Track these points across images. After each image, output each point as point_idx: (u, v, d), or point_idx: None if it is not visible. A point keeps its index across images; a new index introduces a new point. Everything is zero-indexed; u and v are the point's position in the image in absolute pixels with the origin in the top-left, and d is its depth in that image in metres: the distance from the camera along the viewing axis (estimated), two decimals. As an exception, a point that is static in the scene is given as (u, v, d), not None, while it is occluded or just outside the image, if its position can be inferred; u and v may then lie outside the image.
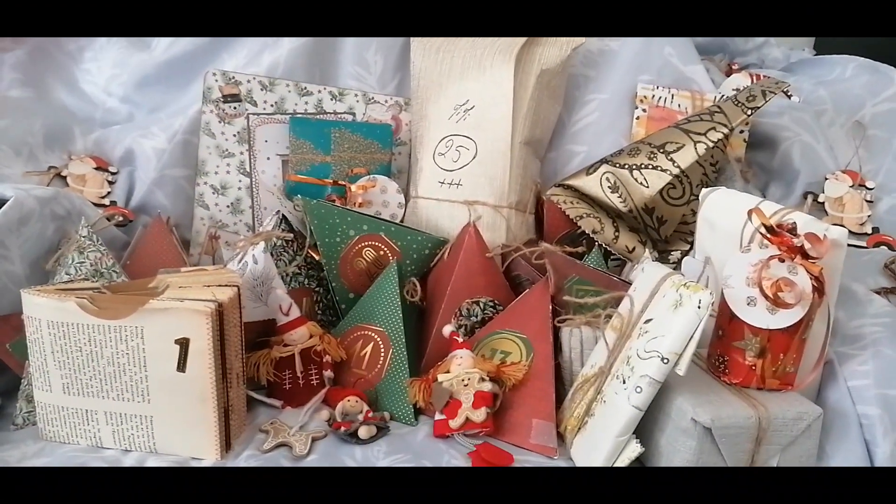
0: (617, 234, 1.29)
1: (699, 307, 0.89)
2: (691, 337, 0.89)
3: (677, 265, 1.29)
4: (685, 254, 1.30)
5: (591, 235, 1.29)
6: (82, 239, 1.10)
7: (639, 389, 0.91)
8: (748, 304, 0.94)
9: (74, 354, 0.95)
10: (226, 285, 1.00)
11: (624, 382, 0.94)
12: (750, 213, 0.97)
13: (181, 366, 0.94)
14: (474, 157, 1.29)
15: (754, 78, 1.45)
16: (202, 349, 0.93)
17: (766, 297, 0.92)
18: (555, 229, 1.32)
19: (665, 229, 1.29)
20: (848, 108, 1.42)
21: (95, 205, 1.29)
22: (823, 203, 1.35)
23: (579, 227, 1.30)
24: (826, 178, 1.37)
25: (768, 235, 0.95)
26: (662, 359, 0.90)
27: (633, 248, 1.29)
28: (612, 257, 1.31)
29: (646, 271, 1.05)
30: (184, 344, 0.93)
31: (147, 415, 0.96)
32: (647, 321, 0.97)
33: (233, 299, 0.98)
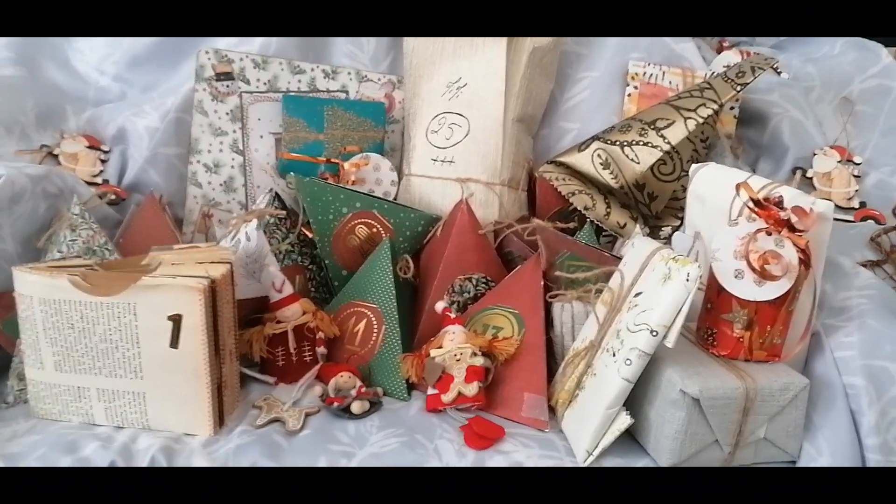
0: (608, 210, 1.30)
1: (687, 280, 0.90)
2: (680, 309, 0.90)
3: (668, 240, 1.30)
4: (676, 229, 1.30)
5: (582, 212, 1.29)
6: (74, 217, 1.10)
7: (628, 362, 0.92)
8: (735, 277, 0.95)
9: (66, 331, 0.96)
10: (218, 262, 1.00)
11: (614, 356, 0.95)
12: (738, 186, 0.97)
13: (174, 342, 0.94)
14: (467, 135, 1.29)
15: (744, 55, 1.44)
16: (195, 325, 0.94)
17: (753, 269, 0.93)
18: (547, 206, 1.33)
19: (656, 205, 1.30)
20: (836, 85, 1.43)
21: (88, 183, 1.29)
22: (812, 178, 1.36)
23: (571, 204, 1.30)
24: (814, 154, 1.38)
25: (755, 209, 0.96)
26: (651, 331, 0.91)
27: (625, 224, 1.30)
28: (603, 233, 1.31)
29: (636, 246, 1.06)
30: (176, 320, 0.94)
31: (140, 391, 0.97)
32: (637, 295, 0.98)
33: (225, 276, 0.98)
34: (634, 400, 0.95)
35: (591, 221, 1.29)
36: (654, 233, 1.29)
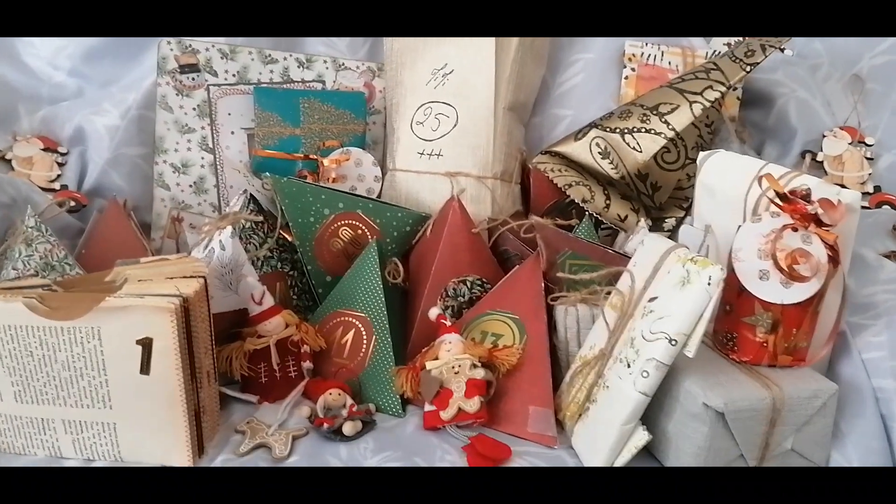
0: (608, 202, 1.22)
1: (709, 284, 0.83)
2: (701, 316, 0.83)
3: (672, 233, 1.23)
4: (680, 221, 1.23)
5: (580, 204, 1.22)
6: (29, 230, 1.00)
7: (645, 374, 0.85)
8: (760, 279, 0.88)
9: (25, 360, 0.86)
10: (191, 276, 0.91)
11: (629, 366, 0.87)
12: (761, 179, 0.90)
13: (145, 368, 0.85)
14: (455, 125, 1.20)
15: (745, 32, 1.37)
16: (167, 348, 0.85)
17: (780, 270, 0.86)
18: (542, 199, 1.25)
19: (659, 196, 1.22)
20: (844, 62, 1.35)
21: (44, 189, 1.19)
22: (822, 162, 1.29)
23: (567, 196, 1.23)
24: (824, 136, 1.31)
25: (780, 203, 0.88)
26: (670, 340, 0.83)
27: (626, 217, 1.22)
28: (602, 226, 1.24)
29: (646, 244, 0.98)
30: (146, 344, 0.85)
31: (109, 421, 0.88)
32: (652, 299, 0.90)
33: (199, 292, 0.89)
34: (650, 412, 0.88)
35: (590, 215, 1.21)
36: (657, 225, 1.22)
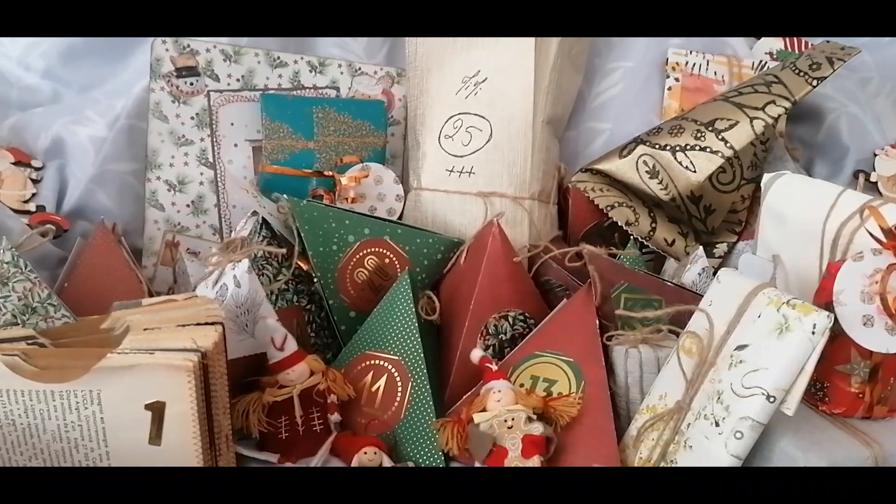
0: (654, 225, 1.12)
1: (813, 332, 0.73)
2: (802, 369, 0.73)
3: (724, 259, 1.14)
4: (731, 246, 1.14)
5: (624, 228, 1.11)
6: (5, 266, 0.85)
7: (738, 435, 0.75)
8: (864, 325, 0.78)
9: (7, 430, 0.71)
10: (205, 323, 0.77)
11: (717, 425, 0.77)
12: (863, 212, 0.81)
13: (154, 438, 0.72)
14: (489, 140, 1.09)
15: (788, 41, 1.28)
16: (183, 414, 0.71)
17: (890, 315, 0.76)
18: (581, 221, 1.15)
19: (712, 220, 1.12)
20: (894, 76, 1.27)
21: (16, 212, 1.03)
22: (876, 183, 1.21)
23: (608, 219, 1.12)
24: (875, 154, 1.23)
25: (883, 240, 0.79)
26: (768, 397, 0.74)
27: (673, 241, 1.12)
28: (643, 250, 1.14)
29: (723, 281, 0.88)
30: (158, 409, 0.71)
31: (112, 500, 0.74)
32: (740, 347, 0.80)
33: (217, 343, 0.76)
34: (738, 474, 0.78)
35: (634, 239, 1.11)
36: (707, 251, 1.12)
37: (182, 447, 0.72)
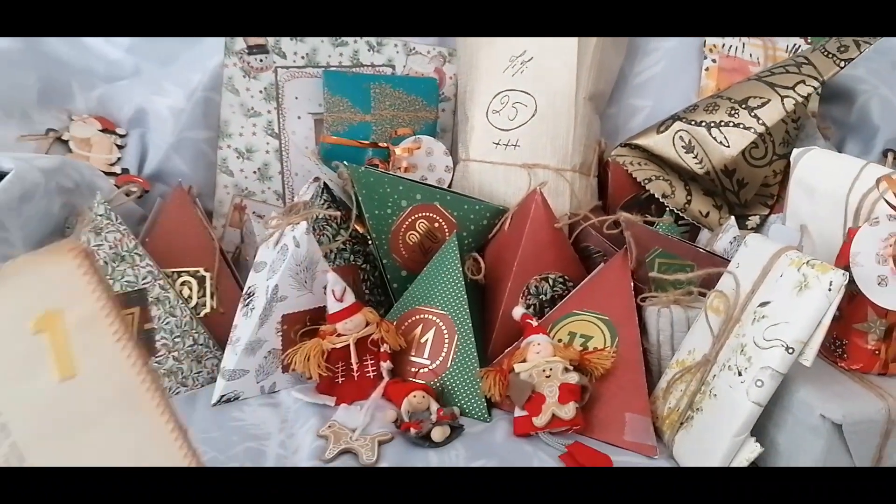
0: (689, 197, 1.18)
1: (830, 289, 0.78)
2: (820, 323, 0.79)
3: (756, 230, 1.19)
4: (763, 219, 1.19)
5: (661, 200, 1.17)
6: (98, 217, 0.94)
7: (759, 383, 0.80)
8: (879, 284, 0.84)
9: None
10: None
11: (740, 374, 0.83)
12: (878, 181, 0.86)
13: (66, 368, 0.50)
14: (534, 115, 1.15)
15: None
16: (92, 317, 0.49)
17: (902, 275, 0.82)
18: (619, 193, 1.21)
19: (745, 193, 1.18)
20: (924, 59, 1.30)
21: (105, 174, 1.12)
22: (905, 161, 1.25)
23: (646, 191, 1.18)
24: (905, 135, 1.26)
25: (898, 206, 0.84)
26: (787, 348, 0.79)
27: (707, 213, 1.18)
28: (679, 222, 1.19)
29: (750, 245, 0.93)
30: (51, 321, 0.49)
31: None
32: (763, 304, 0.86)
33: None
34: (758, 424, 0.83)
35: (670, 210, 1.17)
36: (740, 222, 1.17)
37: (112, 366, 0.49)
